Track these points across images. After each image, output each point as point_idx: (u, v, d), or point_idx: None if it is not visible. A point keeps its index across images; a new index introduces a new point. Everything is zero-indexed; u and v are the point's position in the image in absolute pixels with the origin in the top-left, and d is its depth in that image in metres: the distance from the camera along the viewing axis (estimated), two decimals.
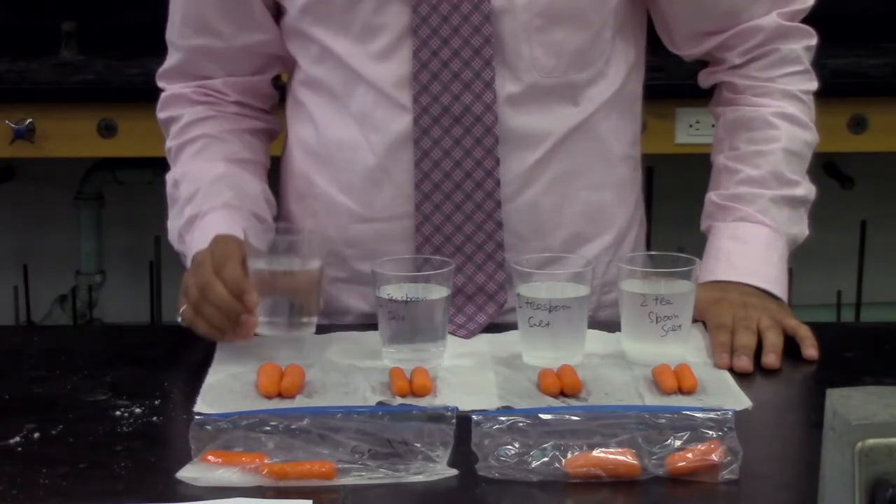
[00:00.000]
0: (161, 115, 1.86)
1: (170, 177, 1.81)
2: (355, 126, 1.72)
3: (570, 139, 1.73)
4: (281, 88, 1.88)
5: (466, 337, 1.70)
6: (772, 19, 1.77)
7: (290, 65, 1.82)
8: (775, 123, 1.78)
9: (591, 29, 1.70)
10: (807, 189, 1.79)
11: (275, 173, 1.88)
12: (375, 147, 1.71)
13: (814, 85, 1.81)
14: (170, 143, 1.84)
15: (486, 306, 1.73)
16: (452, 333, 1.68)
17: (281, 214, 1.85)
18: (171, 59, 1.85)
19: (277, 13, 1.78)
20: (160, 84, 1.86)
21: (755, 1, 1.76)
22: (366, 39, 1.69)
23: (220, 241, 1.61)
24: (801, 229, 1.79)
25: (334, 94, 1.73)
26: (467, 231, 1.71)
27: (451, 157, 1.69)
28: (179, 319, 1.59)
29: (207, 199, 1.75)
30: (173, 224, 1.78)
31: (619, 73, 1.76)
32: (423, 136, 1.69)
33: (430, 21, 1.66)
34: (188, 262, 1.71)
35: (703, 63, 1.86)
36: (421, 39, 1.67)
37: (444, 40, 1.66)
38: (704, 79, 1.86)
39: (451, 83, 1.67)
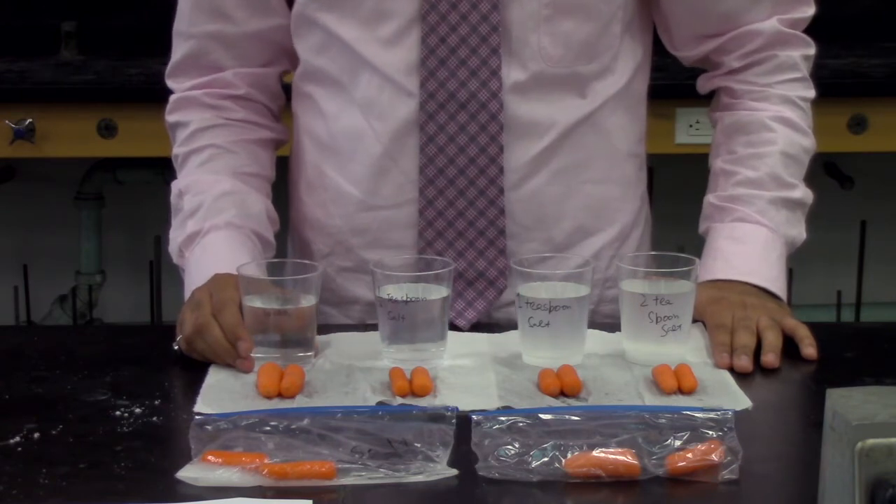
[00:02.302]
0: (169, 118, 1.84)
1: (175, 186, 1.81)
2: (360, 114, 1.73)
3: (575, 131, 1.74)
4: (287, 88, 1.88)
5: (465, 326, 1.71)
6: (772, 24, 1.77)
7: (296, 61, 1.82)
8: (773, 127, 1.78)
9: (599, 21, 1.71)
10: (804, 193, 1.79)
11: (282, 170, 1.88)
12: (381, 135, 1.72)
13: (811, 93, 1.82)
14: (177, 150, 1.83)
15: (486, 292, 1.74)
16: (452, 321, 1.69)
17: (292, 206, 1.86)
18: (180, 51, 1.83)
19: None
20: (170, 84, 1.85)
21: (756, 4, 1.76)
22: (374, 25, 1.70)
23: (220, 282, 1.62)
24: (800, 232, 1.79)
25: (338, 83, 1.74)
26: (470, 217, 1.72)
27: (456, 142, 1.70)
28: (175, 348, 1.60)
29: (210, 217, 1.75)
30: (174, 236, 1.78)
31: (626, 69, 1.76)
32: (428, 121, 1.70)
33: (438, 7, 1.67)
34: (185, 279, 1.72)
35: (702, 69, 1.86)
36: (429, 25, 1.68)
37: (452, 27, 1.67)
38: (703, 84, 1.86)
39: (458, 70, 1.68)
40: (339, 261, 1.78)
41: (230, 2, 1.77)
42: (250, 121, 1.84)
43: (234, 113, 1.82)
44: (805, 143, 1.80)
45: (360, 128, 1.73)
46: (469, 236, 1.73)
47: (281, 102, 1.89)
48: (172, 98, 1.85)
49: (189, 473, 1.28)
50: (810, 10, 1.80)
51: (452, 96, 1.69)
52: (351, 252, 1.78)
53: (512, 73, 1.70)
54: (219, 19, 1.79)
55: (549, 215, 1.75)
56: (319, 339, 1.61)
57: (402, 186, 1.73)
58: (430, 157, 1.71)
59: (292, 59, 1.83)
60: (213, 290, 1.60)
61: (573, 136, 1.74)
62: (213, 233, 1.74)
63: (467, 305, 1.74)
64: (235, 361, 1.55)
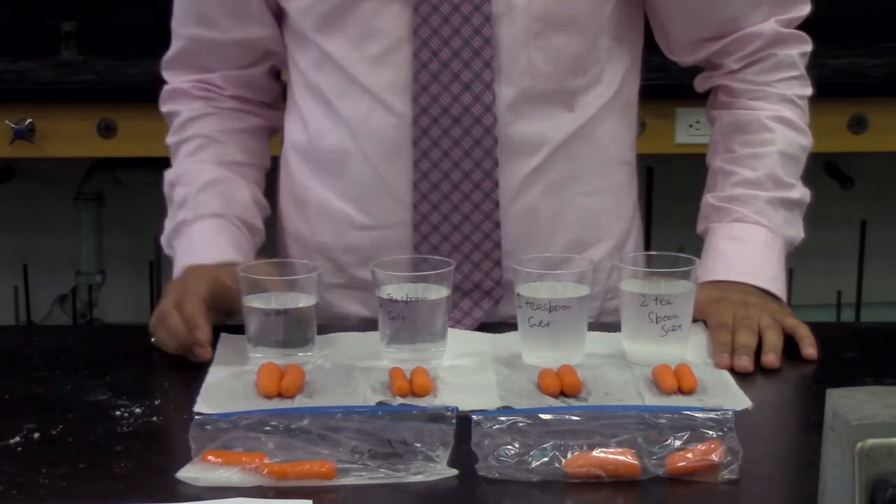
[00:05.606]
0: (163, 108, 1.88)
1: (167, 175, 1.83)
2: (347, 133, 1.72)
3: (567, 145, 1.73)
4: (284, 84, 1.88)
5: None
6: (770, 26, 1.77)
7: (284, 63, 1.83)
8: (771, 126, 1.78)
9: (587, 35, 1.70)
10: (802, 192, 1.79)
11: (273, 172, 1.88)
12: (370, 155, 1.71)
13: (808, 90, 1.82)
14: (169, 140, 1.86)
15: (482, 301, 1.74)
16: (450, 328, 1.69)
17: (278, 216, 1.85)
18: (174, 47, 1.86)
19: (279, 10, 1.78)
20: (164, 74, 1.88)
21: (755, 8, 1.76)
22: (362, 43, 1.69)
23: (192, 274, 1.65)
24: (798, 231, 1.79)
25: (329, 100, 1.73)
26: (465, 230, 1.71)
27: (450, 157, 1.69)
28: (153, 340, 1.62)
29: (196, 207, 1.77)
30: (166, 226, 1.81)
31: (614, 78, 1.76)
32: (421, 136, 1.69)
33: (430, 21, 1.66)
34: (175, 268, 1.75)
35: (700, 68, 1.86)
36: (422, 40, 1.67)
37: (444, 41, 1.66)
38: (701, 83, 1.86)
39: (451, 84, 1.67)
40: (329, 277, 1.77)
41: (214, 9, 1.79)
42: (240, 109, 1.85)
43: (223, 102, 1.84)
44: (803, 141, 1.80)
45: (348, 147, 1.72)
46: (465, 250, 1.72)
47: (274, 93, 1.89)
48: (165, 88, 1.87)
49: (189, 473, 1.28)
50: (806, 9, 1.80)
51: (446, 111, 1.68)
52: (342, 270, 1.77)
53: (502, 91, 1.69)
54: (203, 25, 1.81)
55: (544, 230, 1.74)
56: (319, 339, 1.61)
57: (393, 206, 1.72)
58: (423, 172, 1.69)
59: (281, 60, 1.84)
60: (182, 281, 1.64)
61: (565, 150, 1.73)
62: (198, 223, 1.76)
63: (464, 315, 1.73)
64: (193, 349, 1.56)
